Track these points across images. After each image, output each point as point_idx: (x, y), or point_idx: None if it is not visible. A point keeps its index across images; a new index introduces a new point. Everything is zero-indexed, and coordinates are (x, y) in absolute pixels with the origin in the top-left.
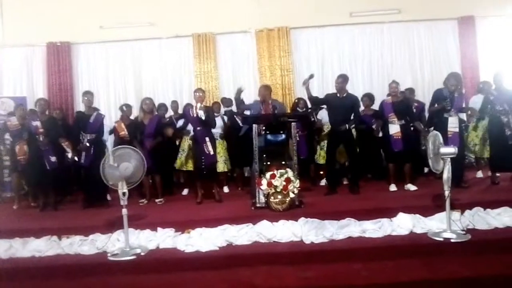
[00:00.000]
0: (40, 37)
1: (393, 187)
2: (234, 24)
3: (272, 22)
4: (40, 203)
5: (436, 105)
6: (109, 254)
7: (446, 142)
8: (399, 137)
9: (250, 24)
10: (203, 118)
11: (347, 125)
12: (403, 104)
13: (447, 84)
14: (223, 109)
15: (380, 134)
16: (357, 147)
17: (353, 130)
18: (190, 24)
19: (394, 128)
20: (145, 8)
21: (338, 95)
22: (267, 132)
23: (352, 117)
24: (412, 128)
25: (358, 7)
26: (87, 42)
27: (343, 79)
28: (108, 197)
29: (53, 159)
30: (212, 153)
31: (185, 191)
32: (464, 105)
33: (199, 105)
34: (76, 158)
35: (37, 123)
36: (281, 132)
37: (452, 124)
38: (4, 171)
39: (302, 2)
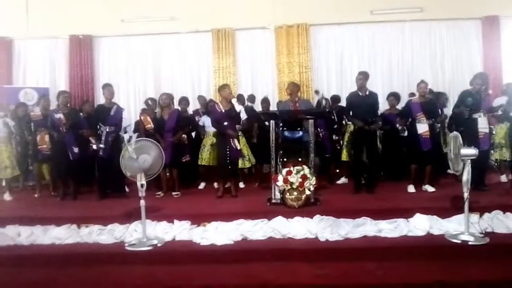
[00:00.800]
0: (63, 30)
1: (411, 188)
2: (254, 20)
3: (292, 18)
4: (60, 193)
5: (460, 107)
6: (126, 244)
7: (476, 143)
8: (428, 136)
9: (270, 20)
10: (243, 114)
11: (373, 126)
12: (431, 104)
13: (473, 84)
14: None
15: (406, 134)
16: (381, 146)
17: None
18: (210, 19)
19: (423, 128)
20: (166, 3)
21: (360, 93)
22: (285, 128)
23: (375, 116)
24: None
25: (379, 4)
26: (108, 36)
27: (364, 76)
28: (126, 189)
29: (75, 150)
30: (238, 148)
31: (201, 185)
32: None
33: (234, 99)
34: (102, 145)
35: (60, 115)
36: (299, 129)
37: (482, 125)
38: (28, 160)
39: None
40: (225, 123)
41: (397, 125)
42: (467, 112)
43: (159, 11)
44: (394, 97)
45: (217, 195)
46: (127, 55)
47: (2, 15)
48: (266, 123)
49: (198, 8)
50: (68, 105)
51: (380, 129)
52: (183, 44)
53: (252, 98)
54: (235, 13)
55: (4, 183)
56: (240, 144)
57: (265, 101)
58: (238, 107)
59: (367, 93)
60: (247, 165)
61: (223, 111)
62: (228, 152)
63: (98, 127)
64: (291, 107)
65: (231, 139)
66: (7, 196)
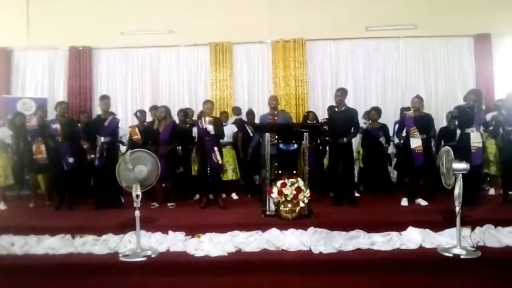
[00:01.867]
0: (63, 41)
1: (404, 202)
2: (251, 34)
3: (288, 33)
4: (55, 203)
5: (456, 122)
6: (120, 255)
7: (469, 158)
8: (421, 151)
9: (267, 35)
10: (212, 132)
11: (345, 139)
12: (425, 118)
13: (467, 99)
14: (232, 118)
15: (390, 150)
16: (364, 161)
17: (360, 146)
18: (208, 33)
19: (416, 142)
20: (165, 16)
21: (336, 109)
22: (280, 141)
23: (352, 130)
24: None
25: (374, 21)
26: (107, 47)
27: (341, 93)
28: (122, 199)
29: (70, 160)
30: (220, 162)
31: (197, 196)
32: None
33: (207, 119)
34: (94, 156)
35: (56, 126)
36: (294, 141)
37: (475, 140)
38: (24, 169)
39: (318, 15)
40: (207, 138)
41: (380, 139)
42: (453, 124)
43: (158, 24)
44: (375, 111)
45: (199, 206)
46: (126, 67)
47: (3, 26)
48: (251, 134)
49: (196, 22)
50: (66, 115)
51: (362, 145)
52: (181, 57)
53: (238, 110)
54: (232, 27)
55: None
56: (221, 157)
57: (250, 113)
58: (209, 127)
59: (343, 108)
60: (233, 177)
61: (203, 127)
62: (208, 165)
63: (97, 137)
64: (270, 119)
65: (212, 153)
66: (1, 206)
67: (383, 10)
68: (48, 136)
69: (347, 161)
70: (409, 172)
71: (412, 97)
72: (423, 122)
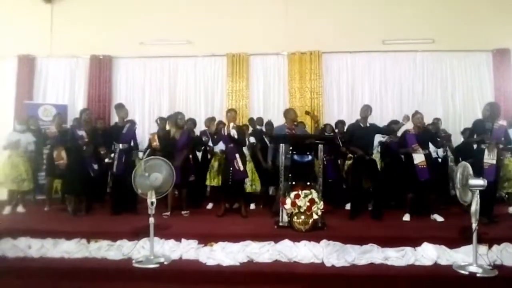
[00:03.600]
0: (85, 50)
1: (406, 217)
2: (268, 46)
3: (305, 45)
4: (72, 207)
5: (475, 135)
6: (134, 261)
7: (481, 173)
8: (424, 166)
9: (283, 47)
10: (236, 137)
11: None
12: (426, 134)
13: (484, 114)
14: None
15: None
16: (383, 175)
17: (378, 159)
18: (225, 44)
19: (419, 158)
20: (184, 27)
21: (361, 124)
22: (294, 152)
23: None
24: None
25: (391, 35)
26: (127, 57)
27: (368, 108)
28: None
29: (95, 166)
30: (242, 169)
31: (209, 205)
32: (503, 138)
33: (232, 124)
34: (110, 160)
35: (82, 133)
36: (308, 153)
37: (489, 156)
38: (39, 174)
39: (335, 27)
40: (230, 145)
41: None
42: (489, 138)
43: (176, 35)
44: (396, 124)
45: (217, 214)
46: (144, 76)
47: (28, 34)
48: (269, 144)
49: (214, 33)
50: (90, 122)
51: (381, 159)
52: (199, 67)
53: (260, 121)
54: (250, 39)
55: (18, 196)
56: (244, 165)
57: (269, 124)
58: (232, 132)
59: (368, 124)
60: (251, 189)
61: (226, 134)
62: (231, 173)
63: (113, 145)
64: (287, 132)
65: (234, 161)
66: (20, 209)
67: (400, 24)
68: (71, 142)
69: (374, 175)
70: (412, 187)
71: (412, 113)
72: (425, 138)
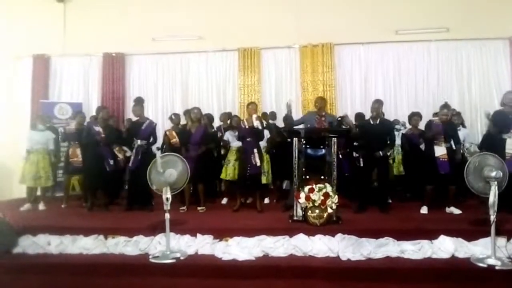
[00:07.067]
0: (98, 48)
1: (424, 210)
2: (279, 39)
3: (316, 38)
4: (89, 204)
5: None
6: (150, 256)
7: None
8: (446, 159)
9: (295, 40)
10: (260, 127)
11: (381, 152)
12: (451, 127)
13: (504, 100)
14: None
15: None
16: (403, 167)
17: (396, 152)
18: (236, 38)
19: (440, 150)
20: (195, 23)
21: (371, 122)
22: (308, 146)
23: (388, 143)
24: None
25: (404, 24)
26: (139, 54)
27: (379, 104)
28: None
29: (111, 162)
30: (258, 164)
31: (224, 200)
32: None
33: (254, 116)
34: (124, 155)
35: (99, 129)
36: (321, 146)
37: (511, 146)
38: (58, 171)
39: (347, 19)
40: (248, 139)
41: (421, 146)
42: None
43: (188, 30)
44: (418, 117)
45: (233, 209)
46: (157, 72)
47: (42, 34)
48: (288, 139)
49: (225, 28)
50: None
51: (401, 150)
52: (210, 62)
53: (273, 115)
54: (261, 32)
55: (39, 193)
56: (260, 160)
57: (288, 118)
58: (256, 123)
59: (378, 121)
60: (266, 181)
61: (247, 127)
62: (248, 168)
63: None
64: (316, 119)
65: (251, 155)
66: (41, 206)
67: (413, 13)
68: (87, 138)
69: (381, 168)
70: (432, 180)
71: (440, 105)
72: (450, 131)
